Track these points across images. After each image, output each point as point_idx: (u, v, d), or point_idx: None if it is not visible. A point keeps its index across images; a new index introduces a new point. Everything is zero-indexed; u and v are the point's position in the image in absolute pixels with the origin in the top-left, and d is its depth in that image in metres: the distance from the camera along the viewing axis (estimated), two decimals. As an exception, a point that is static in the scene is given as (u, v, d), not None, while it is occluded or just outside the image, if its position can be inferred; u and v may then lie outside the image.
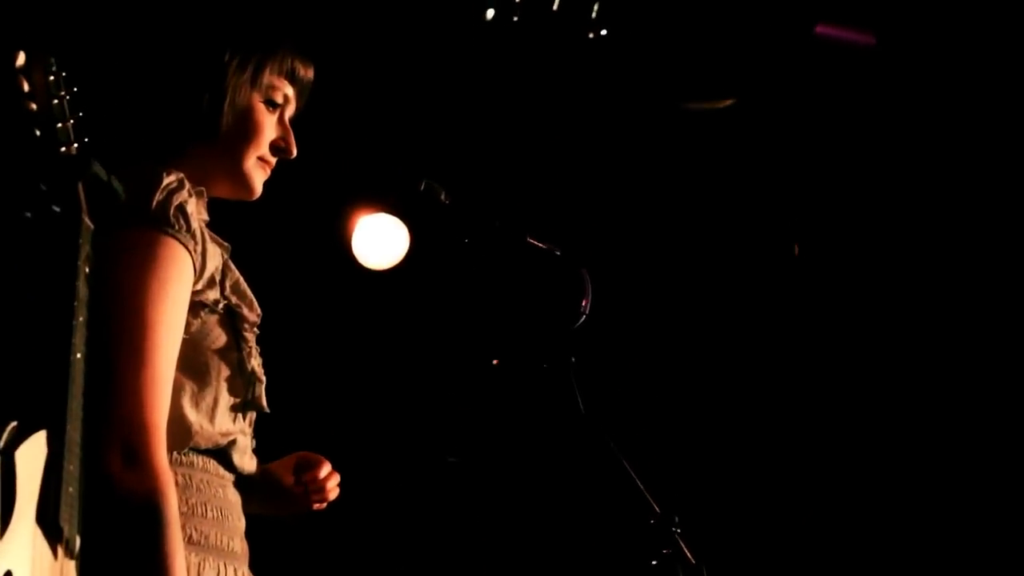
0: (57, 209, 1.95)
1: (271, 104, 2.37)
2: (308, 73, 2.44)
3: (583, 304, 2.56)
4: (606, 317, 2.99)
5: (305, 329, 4.61)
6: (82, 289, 1.91)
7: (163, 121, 2.31)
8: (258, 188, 2.39)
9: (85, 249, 1.94)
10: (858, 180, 4.56)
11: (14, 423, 1.82)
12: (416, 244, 4.79)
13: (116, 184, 1.99)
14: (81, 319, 1.90)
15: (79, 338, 1.89)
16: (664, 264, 4.72)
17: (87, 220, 1.96)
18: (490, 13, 4.05)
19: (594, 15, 4.13)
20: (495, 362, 4.74)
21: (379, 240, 4.83)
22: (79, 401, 1.87)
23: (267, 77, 2.36)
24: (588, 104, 4.46)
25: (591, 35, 4.13)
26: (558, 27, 4.13)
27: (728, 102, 4.46)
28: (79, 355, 1.88)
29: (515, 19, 4.06)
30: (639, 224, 4.71)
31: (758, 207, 4.68)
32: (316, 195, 4.62)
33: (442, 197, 2.63)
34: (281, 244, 4.59)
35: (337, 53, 3.95)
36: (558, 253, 2.63)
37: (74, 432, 1.85)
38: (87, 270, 1.94)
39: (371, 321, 4.87)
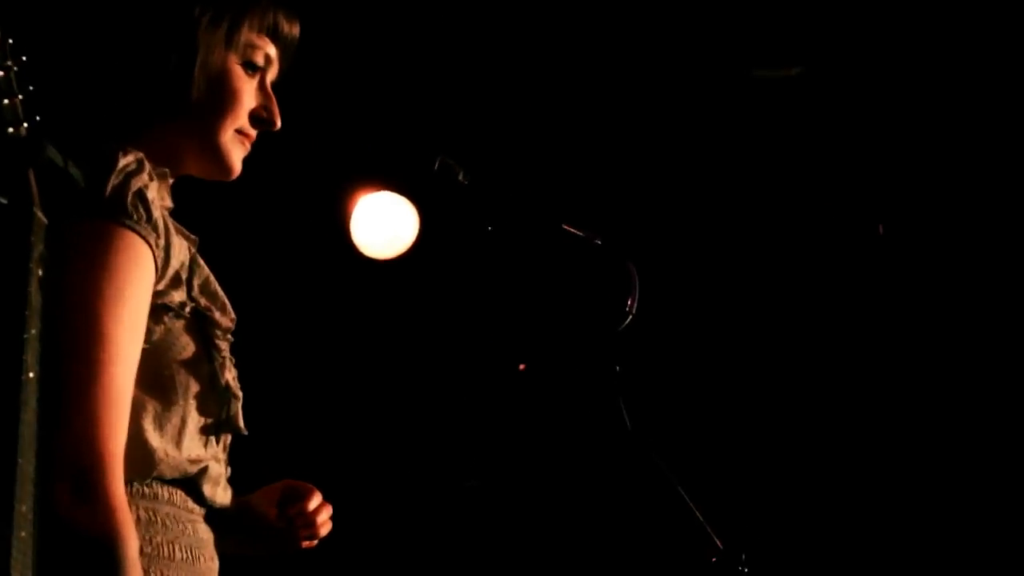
0: (4, 201, 1.94)
1: (250, 67, 2.36)
2: (293, 29, 2.42)
3: (629, 303, 2.56)
4: (656, 317, 3.00)
5: (292, 332, 4.62)
6: (35, 296, 1.90)
7: (122, 90, 2.30)
8: (237, 166, 2.38)
9: (38, 248, 1.93)
10: (950, 153, 4.58)
11: (-44, 456, 1.82)
12: (426, 229, 4.79)
13: (74, 171, 1.99)
14: (34, 331, 1.89)
15: (31, 354, 1.88)
16: (726, 254, 4.72)
17: (40, 214, 1.95)
18: None
19: None
20: (521, 367, 4.75)
21: (382, 224, 4.83)
22: (32, 429, 1.86)
23: (245, 34, 2.35)
24: (635, 70, 4.47)
25: None
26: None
27: (795, 70, 4.48)
28: (32, 374, 1.88)
29: None
30: (697, 208, 4.71)
31: (836, 184, 4.68)
32: (306, 172, 4.62)
33: (460, 177, 2.63)
34: (264, 231, 4.60)
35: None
36: (599, 243, 2.63)
37: (27, 465, 1.85)
38: (40, 273, 1.93)
39: (373, 320, 4.87)
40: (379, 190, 4.83)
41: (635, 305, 2.57)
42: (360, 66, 4.48)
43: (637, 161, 4.69)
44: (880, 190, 4.72)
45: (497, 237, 2.72)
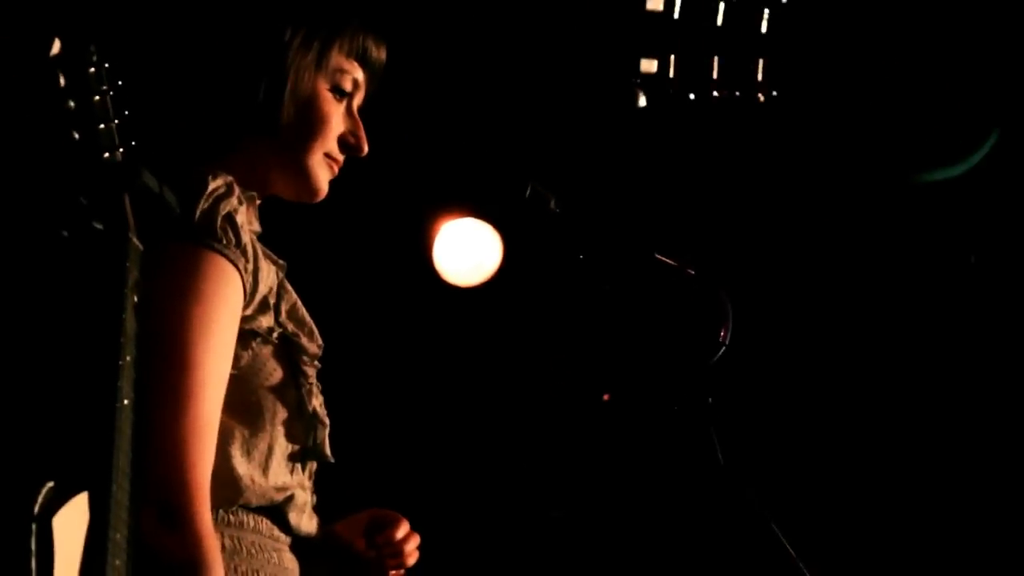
0: (100, 227, 1.95)
1: (339, 92, 2.37)
2: (381, 54, 2.43)
3: (722, 334, 2.54)
4: (751, 348, 2.96)
5: (375, 359, 4.62)
6: (130, 323, 1.91)
7: (213, 112, 2.31)
8: (324, 188, 2.39)
9: (133, 274, 1.94)
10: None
11: (50, 483, 1.82)
12: (509, 255, 4.78)
13: (169, 196, 2.00)
14: (129, 359, 1.90)
15: (126, 381, 1.89)
16: (820, 284, 4.68)
17: (135, 240, 1.96)
18: None
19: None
20: (605, 397, 4.72)
21: (466, 251, 4.82)
22: (127, 456, 1.87)
23: (335, 59, 2.36)
24: (721, 103, 4.46)
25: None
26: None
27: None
28: (127, 401, 1.89)
29: None
30: (788, 235, 4.67)
31: (927, 210, 4.64)
32: (390, 197, 4.62)
33: (551, 205, 2.61)
34: (346, 256, 4.60)
35: (414, 23, 3.96)
36: (692, 272, 2.61)
37: (121, 493, 1.85)
38: (135, 300, 1.93)
39: (456, 348, 4.86)
40: (462, 216, 4.82)
41: (728, 336, 2.54)
42: (443, 91, 4.49)
43: (732, 191, 4.66)
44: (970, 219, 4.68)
45: (588, 266, 2.71)
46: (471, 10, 4.31)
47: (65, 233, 1.95)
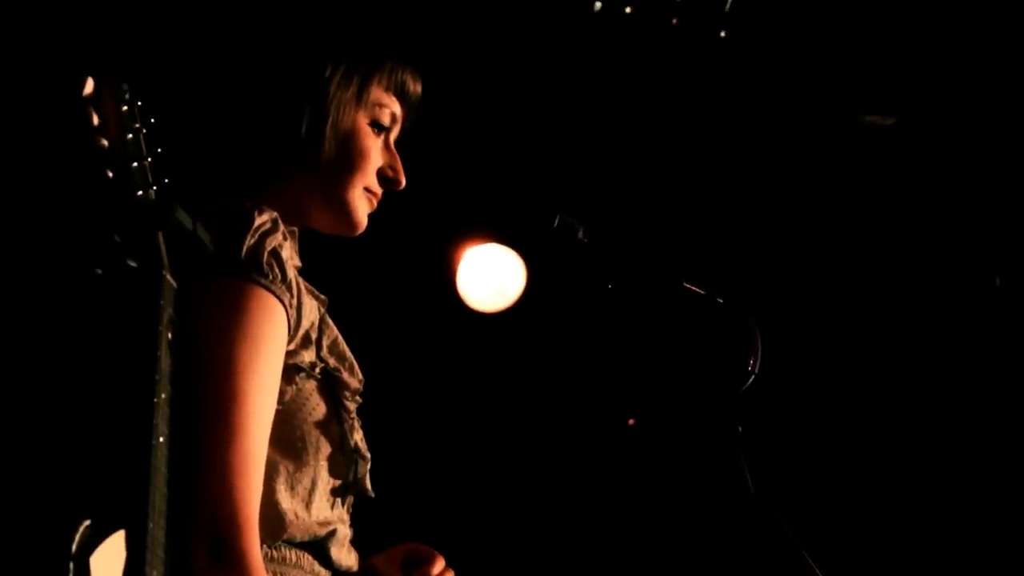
0: (134, 264, 1.96)
1: (377, 127, 2.38)
2: (418, 88, 2.45)
3: (752, 362, 2.54)
4: (780, 376, 2.96)
5: (405, 388, 4.61)
6: (164, 361, 1.92)
7: (254, 148, 2.32)
8: (363, 221, 2.41)
9: (167, 312, 1.95)
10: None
11: (87, 521, 1.83)
12: (533, 281, 4.78)
13: (202, 234, 2.00)
14: (164, 396, 1.91)
15: (161, 419, 1.90)
16: (849, 312, 4.67)
17: (169, 278, 1.97)
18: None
19: (727, 8, 4.17)
20: (631, 421, 4.72)
21: (489, 276, 4.82)
22: (163, 494, 1.88)
23: (374, 93, 2.38)
24: (749, 135, 4.47)
25: (722, 33, 4.16)
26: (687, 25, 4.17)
27: (890, 120, 4.47)
28: (162, 439, 1.89)
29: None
30: (819, 267, 4.67)
31: (953, 232, 4.63)
32: (413, 222, 4.63)
33: (580, 235, 2.62)
34: (369, 284, 4.60)
35: (442, 54, 3.98)
36: (720, 300, 2.61)
37: (157, 531, 1.86)
38: (170, 337, 1.94)
39: (483, 376, 4.85)
40: (486, 242, 4.82)
41: (758, 365, 2.54)
42: (465, 117, 4.49)
43: (760, 221, 4.66)
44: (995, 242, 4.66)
45: (618, 295, 2.71)
46: (503, 39, 4.32)
47: (99, 271, 1.96)
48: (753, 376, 2.54)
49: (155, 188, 1.98)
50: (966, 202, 4.64)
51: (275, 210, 2.24)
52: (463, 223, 4.81)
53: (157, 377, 1.91)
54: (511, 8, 4.26)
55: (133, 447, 1.88)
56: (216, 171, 2.33)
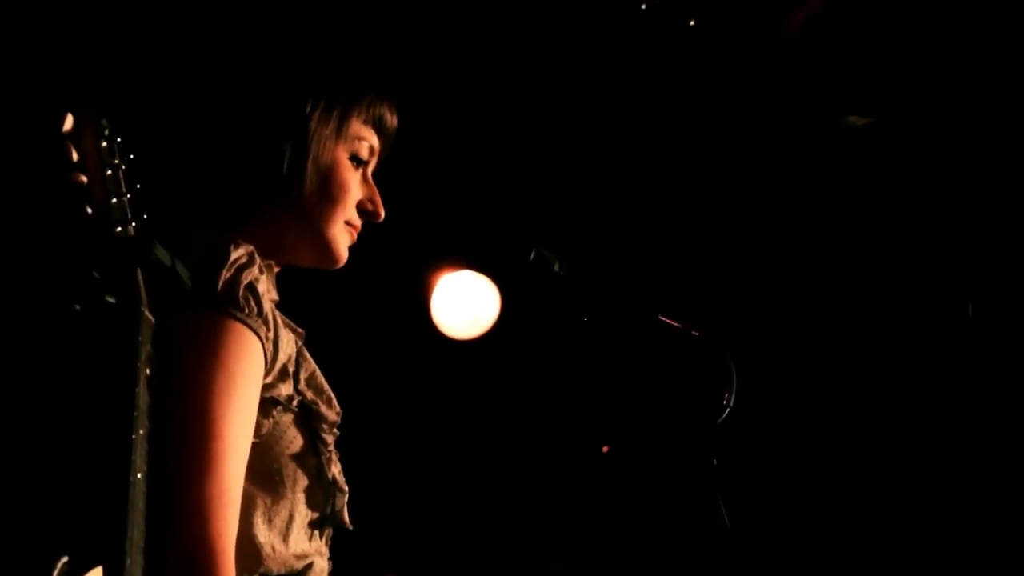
0: (112, 300, 1.96)
1: (356, 160, 2.39)
2: (394, 120, 2.46)
3: (727, 396, 2.55)
4: (753, 409, 2.97)
5: (379, 417, 4.61)
6: (142, 396, 1.92)
7: (235, 184, 2.32)
8: (344, 255, 2.41)
9: (145, 348, 1.95)
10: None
11: (65, 558, 1.83)
12: (507, 307, 4.78)
13: (181, 270, 2.01)
14: (142, 432, 1.91)
15: (139, 455, 1.90)
16: (824, 343, 4.69)
17: (147, 313, 1.97)
18: None
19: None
20: (605, 449, 4.72)
21: (463, 303, 4.83)
22: (140, 530, 1.88)
23: (354, 127, 2.39)
24: (725, 162, 4.49)
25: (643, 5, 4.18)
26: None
27: (868, 120, 4.48)
28: (140, 475, 1.89)
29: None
30: (795, 298, 4.69)
31: (924, 261, 4.66)
32: (387, 250, 4.63)
33: (556, 268, 2.63)
34: (345, 313, 4.60)
35: (420, 84, 3.99)
36: (696, 333, 2.62)
37: (135, 567, 1.86)
38: (148, 373, 1.95)
39: (458, 404, 4.86)
40: (460, 269, 4.83)
41: (733, 398, 2.55)
42: (437, 145, 4.50)
43: (735, 252, 4.68)
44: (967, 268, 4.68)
45: (593, 327, 2.73)
46: (478, 66, 4.34)
47: (78, 307, 1.96)
48: (728, 409, 2.55)
49: (134, 224, 1.98)
50: (938, 218, 4.66)
51: (254, 244, 2.24)
52: (438, 251, 4.81)
53: (135, 413, 1.91)
54: (484, 39, 4.28)
55: (111, 483, 1.88)
56: (197, 206, 2.33)
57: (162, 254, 2.00)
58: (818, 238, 4.67)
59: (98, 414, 1.98)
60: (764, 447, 4.56)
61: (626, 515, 4.73)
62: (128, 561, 1.85)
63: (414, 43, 4.14)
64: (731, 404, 2.56)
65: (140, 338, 1.95)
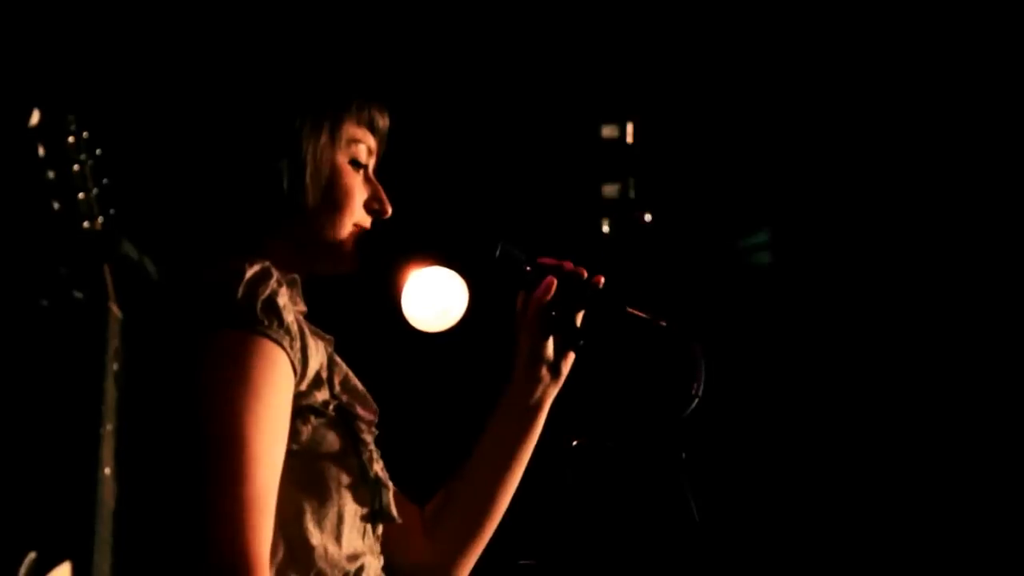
0: (79, 296, 1.96)
1: (355, 164, 2.43)
2: (386, 119, 2.54)
3: (694, 387, 2.55)
4: (724, 402, 2.98)
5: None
6: (110, 392, 1.92)
7: (242, 210, 2.37)
8: (358, 259, 2.49)
9: (113, 343, 1.95)
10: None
11: (32, 554, 1.83)
12: (476, 302, 4.77)
13: (149, 265, 2.01)
14: (109, 427, 1.91)
15: (107, 450, 1.90)
16: (794, 334, 4.70)
17: (115, 308, 1.97)
18: None
19: None
20: (575, 442, 4.72)
21: (433, 298, 4.82)
22: (108, 526, 1.88)
23: (347, 131, 2.43)
24: (691, 158, 4.51)
25: None
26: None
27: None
28: (107, 470, 1.90)
29: None
30: (762, 287, 4.70)
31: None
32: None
33: (522, 263, 2.64)
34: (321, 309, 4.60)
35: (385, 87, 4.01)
36: (663, 324, 2.63)
37: (103, 563, 1.86)
38: (115, 367, 1.95)
39: (429, 397, 4.86)
40: (429, 264, 4.82)
41: (701, 389, 2.56)
42: (412, 142, 4.51)
43: (698, 243, 4.70)
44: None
45: (560, 320, 2.73)
46: (451, 65, 4.35)
47: (45, 303, 1.96)
48: (696, 401, 2.55)
49: (101, 219, 1.98)
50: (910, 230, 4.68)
51: (274, 261, 2.30)
52: (408, 247, 4.80)
53: (103, 408, 1.91)
54: (454, 37, 4.30)
55: (79, 479, 1.88)
56: (214, 233, 2.37)
57: (130, 249, 2.01)
58: (785, 224, 4.69)
59: (65, 410, 1.98)
60: (734, 439, 4.58)
61: (595, 509, 4.74)
62: (97, 557, 1.85)
63: (381, 44, 4.15)
64: (699, 395, 2.56)
65: (107, 333, 1.96)
